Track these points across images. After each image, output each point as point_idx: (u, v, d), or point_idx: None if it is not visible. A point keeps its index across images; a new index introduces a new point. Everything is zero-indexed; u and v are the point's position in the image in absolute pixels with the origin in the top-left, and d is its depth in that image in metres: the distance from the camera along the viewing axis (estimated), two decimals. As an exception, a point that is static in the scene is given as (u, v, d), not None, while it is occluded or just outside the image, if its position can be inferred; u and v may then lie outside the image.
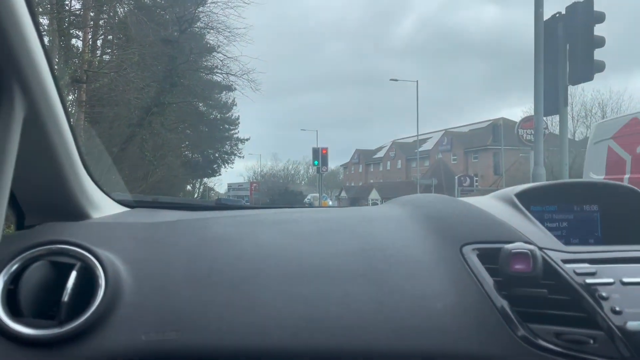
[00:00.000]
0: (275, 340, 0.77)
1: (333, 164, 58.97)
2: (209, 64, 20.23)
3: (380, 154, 55.34)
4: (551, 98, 7.94)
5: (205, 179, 37.68)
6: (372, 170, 56.67)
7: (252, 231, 0.96)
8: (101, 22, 15.40)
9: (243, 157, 34.81)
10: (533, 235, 0.90)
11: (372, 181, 52.65)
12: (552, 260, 0.84)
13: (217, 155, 32.17)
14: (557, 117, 9.23)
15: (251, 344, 0.77)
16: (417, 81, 29.89)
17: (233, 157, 32.77)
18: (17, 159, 0.85)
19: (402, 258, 0.88)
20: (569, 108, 8.63)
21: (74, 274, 0.80)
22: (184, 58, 16.22)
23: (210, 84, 22.65)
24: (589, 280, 0.80)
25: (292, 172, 63.10)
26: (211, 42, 19.05)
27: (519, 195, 1.03)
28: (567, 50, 7.81)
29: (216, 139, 30.51)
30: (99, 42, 15.98)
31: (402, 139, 51.82)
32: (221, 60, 19.11)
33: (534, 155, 8.20)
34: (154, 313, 0.79)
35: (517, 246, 0.81)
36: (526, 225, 0.94)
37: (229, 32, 17.53)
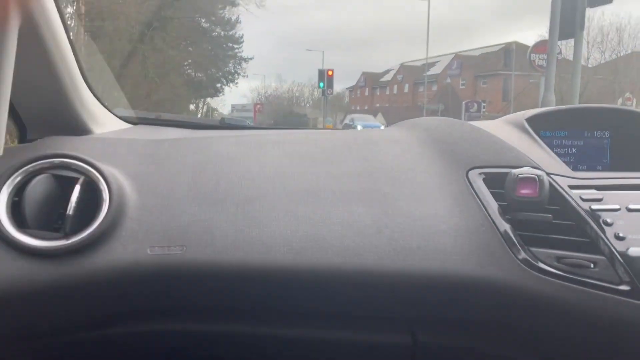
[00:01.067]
0: (278, 257, 0.78)
1: (339, 87, 58.05)
2: (212, -24, 19.37)
3: (387, 77, 54.27)
4: (567, 20, 7.62)
5: (208, 99, 37.32)
6: (378, 94, 55.85)
7: (256, 151, 0.96)
8: None
9: (247, 76, 34.22)
10: (542, 161, 0.89)
11: (378, 105, 52.11)
12: (559, 185, 0.83)
13: (220, 74, 31.60)
14: (571, 42, 8.91)
15: (255, 261, 0.78)
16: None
17: (237, 76, 32.20)
18: (16, 72, 0.83)
19: (407, 180, 0.88)
20: (585, 32, 8.32)
21: (77, 188, 0.80)
22: (186, -30, 15.50)
23: (213, -2, 21.79)
24: (595, 206, 0.80)
25: (297, 94, 62.23)
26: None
27: (530, 119, 1.01)
28: (588, -30, 7.41)
29: (219, 57, 29.83)
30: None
31: (411, 62, 50.57)
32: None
33: (545, 80, 8.03)
34: (159, 228, 0.80)
35: (524, 171, 0.81)
36: (535, 151, 0.93)
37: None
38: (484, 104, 32.20)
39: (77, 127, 1.01)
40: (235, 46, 30.95)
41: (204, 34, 24.93)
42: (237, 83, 33.12)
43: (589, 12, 8.00)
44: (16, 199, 0.79)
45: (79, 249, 0.76)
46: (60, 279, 0.76)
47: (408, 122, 1.15)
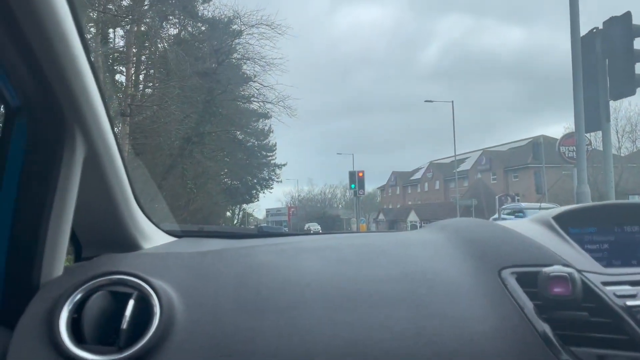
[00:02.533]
0: None
1: (370, 187, 58.72)
2: (246, 93, 20.76)
3: (417, 176, 54.79)
4: (592, 114, 7.74)
5: (244, 205, 38.24)
6: (409, 192, 56.11)
7: (294, 258, 1.00)
8: (143, 57, 16.09)
9: (281, 181, 35.19)
10: (571, 258, 0.90)
11: (410, 203, 52.09)
12: (592, 282, 0.84)
13: (255, 181, 32.66)
14: (600, 132, 8.98)
15: None
16: (452, 101, 29.67)
17: (271, 182, 33.22)
18: (77, 197, 0.92)
19: (442, 282, 0.90)
20: (613, 122, 8.42)
21: (131, 303, 0.86)
22: (222, 88, 16.69)
23: (247, 112, 23.14)
24: (630, 303, 0.80)
25: (329, 195, 63.20)
26: (248, 72, 19.54)
27: (557, 217, 1.03)
28: (606, 65, 7.65)
29: (254, 166, 30.99)
30: (141, 77, 16.68)
31: (440, 159, 51.22)
32: (257, 89, 19.58)
33: (577, 173, 7.98)
34: (206, 339, 0.83)
35: (555, 269, 0.82)
36: (564, 248, 0.94)
37: (264, 62, 17.97)
38: (518, 197, 31.82)
39: (128, 244, 1.09)
40: (269, 154, 32.26)
41: (239, 144, 26.14)
42: (271, 188, 34.11)
43: (615, 103, 8.17)
44: (75, 315, 0.85)
45: None
46: None
47: (439, 223, 1.19)
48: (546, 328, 0.81)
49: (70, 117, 0.84)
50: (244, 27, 17.28)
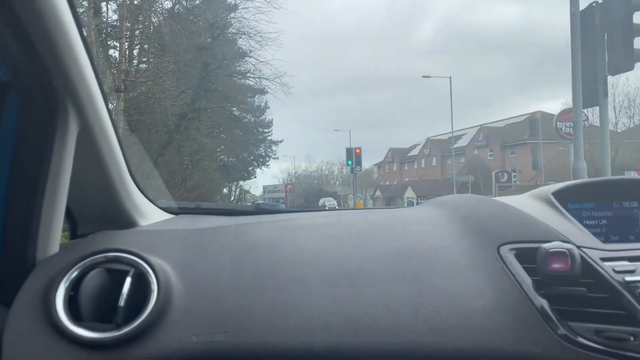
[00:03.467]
0: (319, 340, 0.81)
1: (367, 163, 58.77)
2: (242, 68, 20.58)
3: (414, 152, 54.82)
4: (590, 89, 7.71)
5: (241, 182, 38.21)
6: (406, 168, 56.19)
7: (292, 235, 1.00)
8: (137, 32, 15.84)
9: (277, 158, 35.20)
10: (571, 234, 0.90)
11: (407, 179, 52.22)
12: (591, 258, 0.84)
13: (252, 158, 32.63)
14: (597, 109, 8.96)
15: (296, 344, 0.81)
16: (450, 77, 29.48)
17: (268, 159, 33.20)
18: (71, 173, 0.91)
19: (440, 259, 0.90)
20: (610, 98, 8.42)
21: (128, 280, 0.86)
22: (218, 64, 16.51)
23: (244, 88, 22.98)
24: (628, 278, 0.80)
25: (326, 172, 63.17)
26: (243, 47, 19.33)
27: (556, 193, 1.03)
28: (605, 39, 7.58)
29: (251, 142, 30.93)
30: (135, 52, 16.45)
31: (437, 136, 51.19)
32: (253, 65, 19.40)
33: (574, 149, 7.99)
34: (203, 316, 0.84)
35: (554, 245, 0.82)
36: (564, 224, 0.94)
37: (260, 36, 17.76)
38: (515, 173, 31.92)
39: (124, 221, 1.08)
40: (265, 130, 32.18)
41: (235, 121, 26.01)
42: (268, 165, 34.10)
43: (613, 79, 8.13)
44: (72, 293, 0.85)
45: (129, 339, 0.80)
46: None
47: (437, 200, 1.18)
48: (544, 303, 0.81)
49: (63, 91, 0.82)
50: (239, 1, 17.02)
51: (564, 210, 0.99)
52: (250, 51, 18.90)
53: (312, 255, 0.93)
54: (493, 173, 30.50)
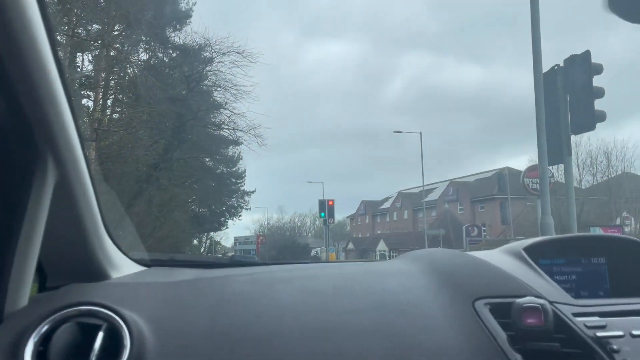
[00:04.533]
0: None
1: (340, 216, 58.86)
2: (217, 119, 20.71)
3: (386, 205, 55.28)
4: (555, 148, 8.01)
5: (212, 233, 37.70)
6: (379, 221, 56.46)
7: (269, 289, 0.99)
8: (111, 82, 15.92)
9: (249, 209, 34.83)
10: (543, 289, 0.92)
11: (379, 232, 52.37)
12: (563, 313, 0.86)
13: (224, 208, 32.28)
14: (562, 166, 9.30)
15: None
16: (420, 132, 30.30)
17: (240, 210, 32.86)
18: (46, 224, 0.89)
19: (417, 313, 0.90)
20: (574, 156, 8.77)
21: (101, 335, 0.83)
22: (192, 115, 16.62)
23: (217, 139, 23.04)
24: (600, 334, 0.82)
25: (299, 224, 62.96)
26: (218, 99, 19.56)
27: (527, 249, 1.05)
28: (567, 101, 7.97)
29: (223, 193, 30.69)
30: (109, 102, 16.48)
31: (408, 189, 51.89)
32: (228, 117, 19.57)
33: (541, 205, 8.19)
34: None
35: (528, 300, 0.84)
36: (535, 279, 0.96)
37: (235, 89, 18.04)
38: (484, 228, 32.40)
39: (96, 273, 1.05)
40: (238, 181, 32.01)
41: (208, 171, 25.93)
42: (240, 216, 33.73)
43: (576, 137, 8.49)
44: (41, 348, 0.81)
45: None
46: None
47: (412, 253, 1.19)
48: (519, 358, 0.81)
49: (42, 141, 0.82)
50: (215, 55, 17.36)
51: (535, 266, 1.01)
52: (226, 103, 19.15)
53: (289, 309, 0.92)
54: (464, 227, 30.91)
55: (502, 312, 0.88)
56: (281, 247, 50.53)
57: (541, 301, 0.83)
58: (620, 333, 0.82)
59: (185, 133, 16.78)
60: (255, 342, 0.85)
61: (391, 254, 43.69)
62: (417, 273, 1.03)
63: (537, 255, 1.05)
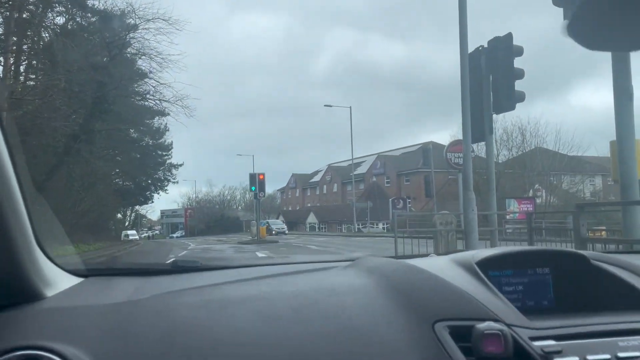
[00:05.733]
0: None
1: (270, 189, 58.61)
2: (141, 89, 19.79)
3: (316, 178, 55.77)
4: (477, 127, 8.31)
5: (137, 207, 36.43)
6: (309, 194, 56.93)
7: (222, 314, 0.94)
8: (24, 47, 14.70)
9: (177, 182, 33.86)
10: (499, 311, 0.94)
11: (309, 205, 52.87)
12: (521, 338, 0.88)
13: (149, 182, 31.17)
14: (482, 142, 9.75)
15: None
16: (350, 107, 30.63)
17: (166, 183, 31.88)
18: None
19: (377, 338, 0.89)
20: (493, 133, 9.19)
21: None
22: (115, 84, 15.72)
23: (142, 110, 22.07)
24: (557, 359, 0.85)
25: (229, 197, 62.17)
26: (143, 67, 18.65)
27: (479, 263, 1.08)
28: (490, 81, 8.30)
29: (149, 166, 29.58)
30: (22, 68, 15.23)
31: (337, 162, 52.60)
32: (154, 87, 18.75)
33: (463, 180, 8.57)
34: None
35: (488, 327, 0.85)
36: (491, 298, 0.98)
37: (161, 58, 17.26)
38: (409, 200, 33.60)
39: (28, 293, 0.95)
40: (165, 153, 30.93)
41: (132, 143, 24.84)
42: (166, 190, 32.74)
43: (494, 115, 8.84)
44: None
45: None
46: None
47: (365, 263, 1.19)
48: None
49: None
50: (140, 21, 16.46)
51: (488, 282, 1.03)
52: (151, 72, 18.29)
53: (247, 336, 0.88)
54: (390, 200, 31.89)
55: (461, 335, 0.88)
56: (210, 220, 49.73)
57: (500, 327, 0.85)
58: (576, 359, 0.85)
59: (108, 103, 15.88)
60: None
61: (320, 226, 44.33)
62: (374, 289, 1.02)
63: (487, 267, 1.08)
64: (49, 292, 0.98)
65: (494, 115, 8.81)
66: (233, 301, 0.98)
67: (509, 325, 0.88)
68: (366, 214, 34.93)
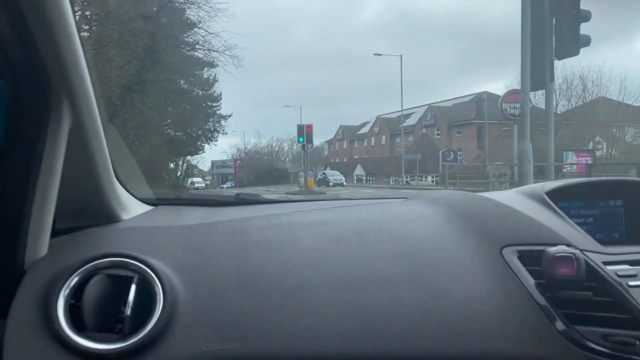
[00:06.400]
0: (331, 347, 0.78)
1: (317, 141, 58.88)
2: (190, 40, 19.87)
3: (364, 130, 55.35)
4: (537, 73, 7.95)
5: (188, 157, 37.43)
6: (356, 146, 56.72)
7: (290, 236, 0.96)
8: (78, -3, 14.95)
9: (226, 133, 34.46)
10: (571, 237, 0.91)
11: (357, 157, 52.76)
12: (594, 262, 0.85)
13: (200, 132, 31.80)
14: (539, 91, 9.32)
15: (308, 351, 0.78)
16: (400, 55, 29.79)
17: (216, 134, 32.45)
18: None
19: (444, 261, 0.89)
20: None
21: (134, 288, 0.80)
22: (165, 34, 15.86)
23: (192, 60, 22.25)
24: (632, 283, 0.82)
25: (277, 149, 62.83)
26: (192, 17, 18.65)
27: (549, 193, 1.04)
28: (553, 25, 7.82)
29: (199, 117, 30.11)
30: (76, 18, 15.56)
31: (386, 114, 51.84)
32: (203, 36, 18.78)
33: (521, 131, 8.27)
34: (211, 321, 0.80)
35: (560, 250, 0.82)
36: (561, 225, 0.95)
37: (209, 6, 17.18)
38: (460, 153, 32.91)
39: (105, 216, 1.01)
40: (214, 104, 31.35)
41: (183, 94, 25.28)
42: (216, 140, 33.38)
43: (555, 62, 8.39)
44: (73, 301, 0.79)
45: (137, 350, 0.75)
46: None
47: (429, 195, 1.16)
48: (550, 306, 0.81)
49: (58, 85, 0.75)
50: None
51: (559, 210, 0.99)
52: (199, 22, 18.28)
53: (315, 257, 0.90)
54: (440, 152, 31.32)
55: (531, 259, 0.87)
56: (259, 171, 50.65)
57: (573, 250, 0.82)
58: None
59: (159, 54, 16.10)
60: (285, 292, 0.84)
61: (368, 178, 44.33)
62: (439, 217, 1.01)
63: (557, 198, 1.04)
64: (124, 216, 1.05)
65: (555, 62, 8.34)
66: (300, 225, 1.00)
67: (581, 250, 0.85)
68: (415, 167, 34.54)
